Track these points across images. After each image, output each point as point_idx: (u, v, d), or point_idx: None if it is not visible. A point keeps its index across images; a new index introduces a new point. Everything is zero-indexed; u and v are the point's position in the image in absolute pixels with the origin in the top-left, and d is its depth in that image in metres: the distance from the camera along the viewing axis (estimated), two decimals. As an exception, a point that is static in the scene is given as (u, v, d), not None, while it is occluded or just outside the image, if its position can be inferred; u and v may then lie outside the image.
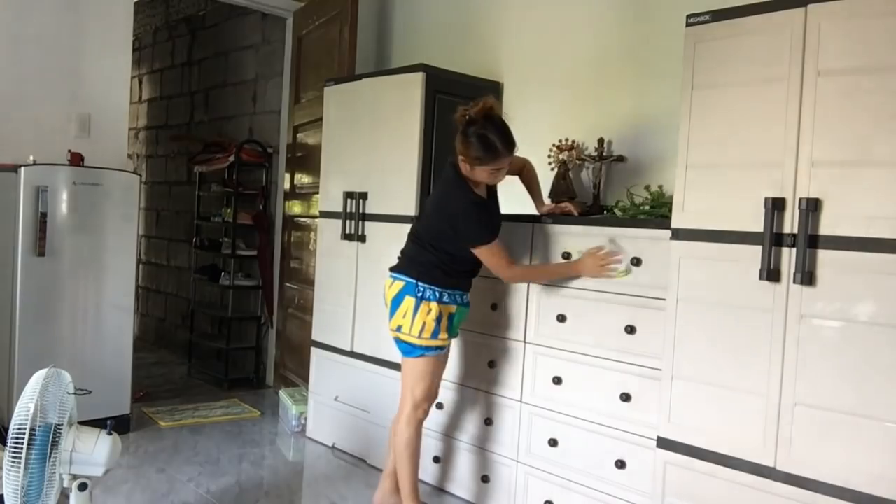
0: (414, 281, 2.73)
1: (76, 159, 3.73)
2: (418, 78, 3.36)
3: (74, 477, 2.28)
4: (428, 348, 2.76)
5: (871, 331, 1.94)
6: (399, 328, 2.77)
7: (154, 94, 6.67)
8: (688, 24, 2.34)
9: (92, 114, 4.05)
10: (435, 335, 2.74)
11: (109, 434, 2.32)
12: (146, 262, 6.60)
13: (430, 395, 2.86)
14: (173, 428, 4.00)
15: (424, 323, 2.72)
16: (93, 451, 2.27)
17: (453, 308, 2.80)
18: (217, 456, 3.62)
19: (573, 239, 2.80)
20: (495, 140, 2.58)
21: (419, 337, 2.73)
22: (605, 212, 3.04)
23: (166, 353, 6.08)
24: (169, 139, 6.34)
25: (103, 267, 3.73)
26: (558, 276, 2.80)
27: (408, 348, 2.78)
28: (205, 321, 5.70)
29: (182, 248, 6.08)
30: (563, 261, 2.80)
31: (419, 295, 2.72)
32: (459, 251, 2.72)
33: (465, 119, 2.61)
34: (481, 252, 2.69)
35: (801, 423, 2.06)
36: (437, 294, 2.73)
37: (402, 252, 2.87)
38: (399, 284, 2.77)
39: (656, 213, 2.76)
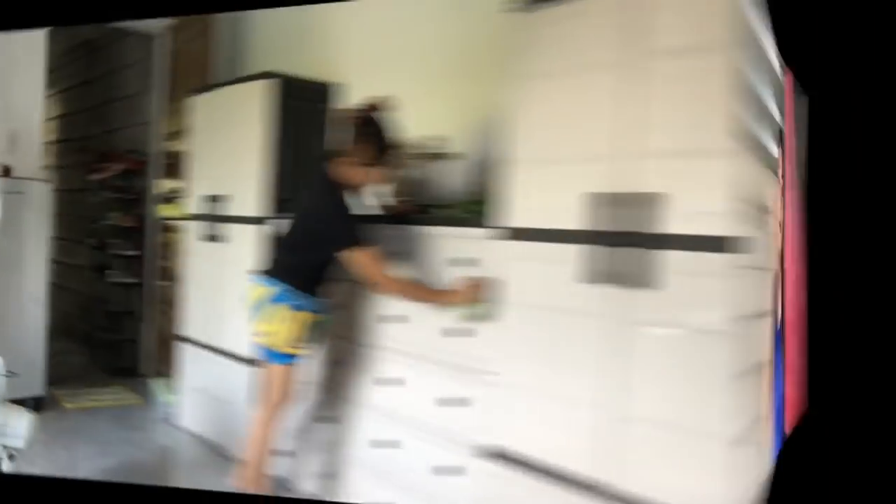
0: (286, 288, 2.67)
1: (5, 171, 4.26)
2: (265, 85, 3.50)
3: (4, 447, 2.61)
4: (295, 356, 2.75)
5: (700, 337, 1.82)
6: (265, 334, 2.72)
7: (61, 111, 7.19)
8: (507, 11, 2.19)
9: (18, 129, 4.54)
10: (302, 343, 2.73)
11: (31, 412, 2.69)
12: (56, 261, 6.98)
13: (289, 399, 2.84)
14: (75, 411, 4.46)
15: (294, 331, 2.67)
16: (17, 426, 2.61)
17: (322, 317, 2.78)
18: (108, 437, 3.98)
19: (394, 240, 2.75)
20: (392, 138, 2.55)
21: (287, 345, 2.70)
22: (428, 211, 2.94)
23: (71, 343, 6.46)
24: (70, 151, 6.85)
25: (23, 266, 4.32)
26: (432, 302, 2.56)
27: (274, 355, 2.74)
28: (99, 315, 6.18)
29: (82, 249, 6.54)
30: (437, 289, 2.57)
31: (291, 303, 2.66)
32: (332, 258, 2.64)
33: (355, 120, 2.54)
34: (353, 256, 2.54)
35: (628, 438, 1.92)
36: (308, 303, 2.69)
37: (274, 258, 2.85)
38: (269, 290, 2.70)
39: (486, 211, 2.50)
